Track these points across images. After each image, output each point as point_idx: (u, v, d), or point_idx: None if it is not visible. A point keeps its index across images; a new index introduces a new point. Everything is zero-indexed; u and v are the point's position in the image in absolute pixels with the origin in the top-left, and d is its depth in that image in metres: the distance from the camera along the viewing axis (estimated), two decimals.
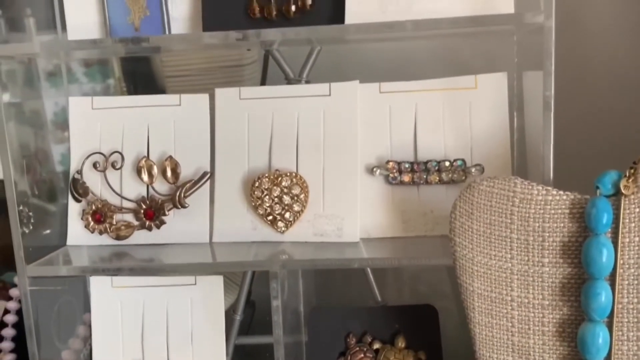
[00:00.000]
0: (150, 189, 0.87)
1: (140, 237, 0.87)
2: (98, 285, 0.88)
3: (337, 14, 0.79)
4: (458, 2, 0.77)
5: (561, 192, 0.65)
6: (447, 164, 0.82)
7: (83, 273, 0.85)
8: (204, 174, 0.86)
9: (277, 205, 0.84)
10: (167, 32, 0.82)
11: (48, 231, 0.88)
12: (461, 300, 0.69)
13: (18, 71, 0.87)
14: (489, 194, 0.67)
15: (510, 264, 0.66)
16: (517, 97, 0.86)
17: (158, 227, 0.87)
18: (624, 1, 0.97)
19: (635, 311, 0.63)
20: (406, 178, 0.83)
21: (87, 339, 0.93)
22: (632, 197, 0.63)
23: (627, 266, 0.63)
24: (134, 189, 0.88)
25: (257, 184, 0.84)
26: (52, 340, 0.90)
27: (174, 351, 0.87)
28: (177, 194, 0.85)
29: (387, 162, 0.83)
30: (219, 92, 0.87)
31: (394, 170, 0.83)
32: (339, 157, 0.84)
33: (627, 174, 0.63)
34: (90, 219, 0.87)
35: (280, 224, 0.84)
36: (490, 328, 0.68)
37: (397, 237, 0.84)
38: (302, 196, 0.83)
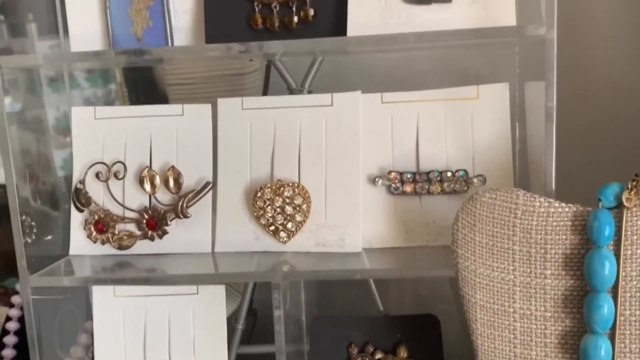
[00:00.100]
0: (153, 199, 0.87)
1: (142, 247, 0.87)
2: (100, 295, 0.88)
3: (339, 24, 0.79)
4: (460, 14, 0.77)
5: (563, 204, 0.65)
6: (449, 174, 0.82)
7: (85, 284, 0.85)
8: (207, 184, 0.86)
9: (279, 215, 0.84)
10: (169, 43, 0.83)
11: (50, 237, 0.88)
12: (463, 311, 0.69)
13: (20, 77, 0.87)
14: (492, 205, 0.67)
15: (512, 276, 0.67)
16: (519, 107, 0.86)
17: (160, 237, 0.87)
18: (625, 12, 0.97)
19: (637, 323, 0.63)
20: (408, 188, 0.83)
21: (89, 347, 0.93)
22: (635, 209, 0.63)
23: (629, 278, 0.63)
24: (136, 198, 0.88)
25: (259, 194, 0.84)
26: (54, 349, 0.90)
27: None
28: (180, 204, 0.85)
29: (389, 172, 0.83)
30: (222, 102, 0.87)
31: (396, 181, 0.83)
32: (341, 167, 0.84)
33: (629, 187, 0.63)
34: (92, 228, 0.87)
35: (282, 234, 0.84)
36: (492, 340, 0.68)
37: (399, 247, 0.84)
38: (304, 206, 0.83)
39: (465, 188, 0.82)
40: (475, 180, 0.82)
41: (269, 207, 0.84)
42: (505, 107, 0.83)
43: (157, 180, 0.87)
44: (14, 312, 0.94)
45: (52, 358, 0.89)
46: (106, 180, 0.88)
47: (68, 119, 0.92)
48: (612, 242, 0.63)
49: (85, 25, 0.85)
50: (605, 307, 0.63)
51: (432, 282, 1.03)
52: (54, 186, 0.91)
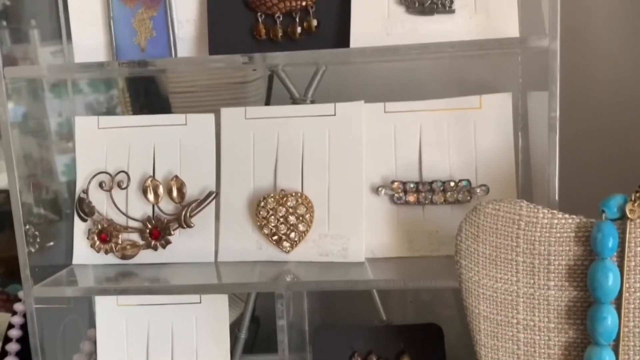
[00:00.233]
0: (156, 209, 0.87)
1: (145, 256, 0.88)
2: (103, 304, 0.89)
3: (342, 35, 0.79)
4: (463, 25, 0.77)
5: (567, 216, 0.65)
6: (452, 184, 0.82)
7: (89, 294, 0.86)
8: (210, 193, 0.86)
9: (283, 225, 0.84)
10: (173, 53, 0.83)
11: (53, 245, 0.88)
12: (467, 320, 0.69)
13: (23, 83, 0.87)
14: (495, 217, 0.67)
15: (516, 287, 0.67)
16: (522, 117, 0.86)
17: (164, 246, 0.87)
18: (628, 22, 0.97)
19: None
20: (411, 198, 0.83)
21: (92, 354, 0.93)
22: (638, 221, 0.63)
23: (633, 290, 0.63)
24: (139, 208, 0.88)
25: (262, 204, 0.84)
26: (57, 357, 0.90)
27: None
28: (183, 213, 0.86)
29: (392, 182, 0.83)
30: (225, 111, 0.87)
31: (399, 190, 0.83)
32: (344, 177, 0.84)
33: (633, 198, 0.63)
34: (96, 238, 0.88)
35: (285, 243, 0.84)
36: (496, 351, 0.68)
37: (402, 257, 0.84)
38: (307, 216, 0.83)
39: (468, 198, 0.82)
40: (478, 190, 0.82)
41: (272, 216, 0.84)
42: (508, 117, 0.83)
43: (161, 189, 0.87)
44: (17, 320, 0.94)
45: None
46: (109, 190, 0.88)
47: (70, 124, 0.92)
48: (615, 254, 0.63)
49: (89, 35, 0.85)
50: (609, 319, 0.63)
51: (435, 292, 1.03)
52: (56, 192, 0.91)
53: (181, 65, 0.84)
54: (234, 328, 0.91)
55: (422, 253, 0.84)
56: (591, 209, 0.65)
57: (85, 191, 0.88)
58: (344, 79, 0.95)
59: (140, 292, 0.81)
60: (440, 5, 0.77)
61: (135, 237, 0.88)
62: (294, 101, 0.89)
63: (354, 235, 0.83)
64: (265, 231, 0.84)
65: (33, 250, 0.84)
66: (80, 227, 0.89)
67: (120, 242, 0.88)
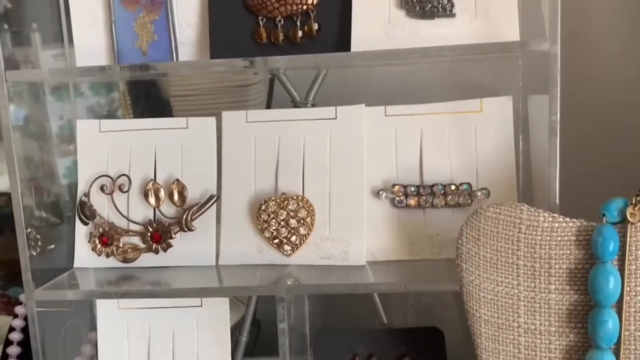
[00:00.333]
0: (157, 212, 0.87)
1: (147, 260, 0.88)
2: (104, 307, 0.89)
3: (343, 38, 0.80)
4: (463, 28, 0.77)
5: (567, 219, 0.65)
6: (452, 187, 0.82)
7: (90, 297, 0.86)
8: (211, 197, 0.86)
9: (284, 228, 0.84)
10: (174, 57, 0.83)
11: (54, 248, 0.88)
12: (468, 324, 0.69)
13: (24, 86, 0.87)
14: (496, 220, 0.67)
15: (517, 291, 0.67)
16: (523, 120, 0.86)
17: (165, 250, 0.87)
18: (629, 25, 0.97)
19: None
20: (412, 201, 0.83)
21: (93, 358, 0.93)
22: (639, 224, 0.63)
23: (633, 293, 0.63)
24: (141, 211, 0.88)
25: (263, 207, 0.84)
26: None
27: None
28: (184, 217, 0.86)
29: (393, 185, 0.84)
30: (226, 115, 0.88)
31: (400, 194, 0.83)
32: (345, 180, 0.84)
33: (634, 202, 0.63)
34: (97, 241, 0.88)
35: (286, 247, 0.84)
36: (497, 354, 0.68)
37: (403, 260, 0.84)
38: (308, 219, 0.84)
39: (469, 201, 0.82)
40: (479, 193, 0.82)
41: (273, 220, 0.84)
42: (508, 120, 0.83)
43: (162, 193, 0.87)
44: (18, 323, 0.94)
45: None
46: (111, 193, 0.88)
47: (71, 127, 0.92)
48: (616, 257, 0.63)
49: (91, 39, 0.86)
50: (609, 322, 0.63)
51: (436, 295, 1.03)
52: (58, 195, 0.91)
53: (182, 69, 0.85)
54: (235, 331, 0.91)
55: (423, 256, 0.84)
56: (592, 212, 0.66)
57: (87, 194, 0.88)
58: (345, 82, 0.95)
59: (142, 296, 0.81)
60: (440, 9, 0.77)
61: (136, 240, 0.88)
62: (295, 104, 0.89)
63: (355, 239, 0.84)
64: (266, 234, 0.84)
65: (34, 253, 0.84)
66: (81, 231, 0.89)
67: (121, 245, 0.88)
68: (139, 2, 0.84)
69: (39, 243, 0.85)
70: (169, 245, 0.87)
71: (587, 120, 0.96)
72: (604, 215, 0.64)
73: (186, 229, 0.86)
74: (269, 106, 0.97)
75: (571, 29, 0.86)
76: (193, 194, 0.87)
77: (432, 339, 0.86)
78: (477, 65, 0.94)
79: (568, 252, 0.65)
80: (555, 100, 0.73)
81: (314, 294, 0.88)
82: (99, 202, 0.89)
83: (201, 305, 0.87)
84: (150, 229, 0.87)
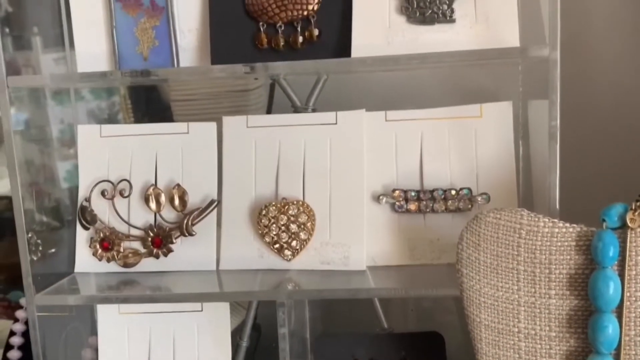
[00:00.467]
0: (158, 217, 0.88)
1: (147, 264, 0.88)
2: (105, 312, 0.89)
3: (344, 44, 0.80)
4: (463, 34, 0.78)
5: (567, 225, 0.65)
6: (453, 192, 0.83)
7: (91, 302, 0.86)
8: (212, 202, 0.86)
9: (284, 233, 0.84)
10: (175, 63, 0.83)
11: (55, 252, 0.89)
12: (468, 329, 0.69)
13: (25, 91, 0.87)
14: (496, 225, 0.67)
15: (517, 296, 0.67)
16: (523, 125, 0.87)
17: (165, 254, 0.87)
18: (628, 30, 0.97)
19: None
20: (412, 206, 0.83)
21: None
22: (638, 230, 0.63)
23: (634, 299, 0.63)
24: (141, 216, 0.88)
25: (264, 212, 0.84)
26: None
27: None
28: (185, 221, 0.86)
29: (394, 190, 0.84)
30: (227, 120, 0.88)
31: (400, 199, 0.84)
32: (345, 185, 0.84)
33: (634, 207, 0.64)
34: (98, 246, 0.88)
35: (287, 252, 0.84)
36: (497, 359, 0.68)
37: (403, 265, 0.84)
38: (308, 224, 0.84)
39: (470, 206, 0.83)
40: (479, 198, 0.82)
41: (274, 225, 0.84)
42: (508, 126, 0.84)
43: (163, 198, 0.87)
44: (18, 327, 0.94)
45: None
46: (112, 198, 0.88)
47: (72, 131, 0.92)
48: (616, 263, 0.63)
49: (92, 44, 0.86)
50: (610, 328, 0.63)
51: (437, 300, 1.03)
52: (58, 199, 0.92)
53: (183, 75, 0.85)
54: (236, 336, 0.91)
55: (423, 261, 0.84)
56: (592, 217, 0.66)
57: (88, 199, 0.89)
58: (345, 87, 0.95)
59: (142, 301, 0.82)
60: (441, 15, 0.77)
61: (137, 245, 0.88)
62: (296, 110, 0.89)
63: (355, 244, 0.84)
64: (267, 239, 0.85)
65: (35, 258, 0.84)
66: (82, 235, 0.89)
67: (122, 250, 0.88)
68: (140, 7, 0.84)
69: (40, 247, 0.85)
70: (170, 250, 0.87)
71: (587, 126, 0.96)
72: (604, 220, 0.64)
73: (187, 234, 0.86)
74: (269, 111, 0.98)
75: (571, 34, 0.86)
76: (194, 199, 0.87)
77: (433, 343, 0.86)
78: (477, 71, 0.94)
79: (568, 257, 0.65)
80: (555, 105, 0.73)
81: (314, 299, 0.89)
82: (100, 207, 0.89)
83: (202, 310, 0.87)
84: (151, 234, 0.87)
